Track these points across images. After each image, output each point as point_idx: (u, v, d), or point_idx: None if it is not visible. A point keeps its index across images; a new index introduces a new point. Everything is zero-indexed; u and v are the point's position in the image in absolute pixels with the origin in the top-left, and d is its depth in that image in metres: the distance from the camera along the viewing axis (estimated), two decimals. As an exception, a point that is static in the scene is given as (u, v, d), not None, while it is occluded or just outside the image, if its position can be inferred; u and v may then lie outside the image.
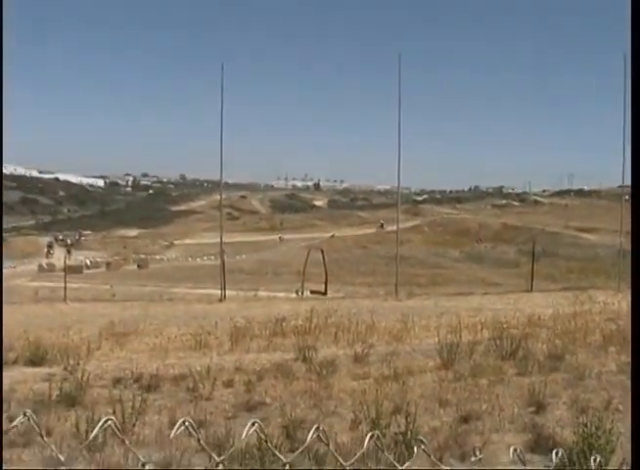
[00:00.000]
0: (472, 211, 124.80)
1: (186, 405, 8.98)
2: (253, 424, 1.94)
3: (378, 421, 7.60)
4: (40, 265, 60.35)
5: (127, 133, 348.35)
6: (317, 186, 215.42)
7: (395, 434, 7.24)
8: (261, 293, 31.63)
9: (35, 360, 12.71)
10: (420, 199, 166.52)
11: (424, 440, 2.38)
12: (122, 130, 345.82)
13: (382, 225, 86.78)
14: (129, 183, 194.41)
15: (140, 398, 8.83)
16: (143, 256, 70.87)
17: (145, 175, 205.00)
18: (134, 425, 7.98)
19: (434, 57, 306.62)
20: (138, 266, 62.83)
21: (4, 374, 11.78)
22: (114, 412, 7.88)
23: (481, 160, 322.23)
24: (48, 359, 12.73)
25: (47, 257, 70.38)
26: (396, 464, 2.50)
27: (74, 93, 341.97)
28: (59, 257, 63.31)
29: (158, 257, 72.94)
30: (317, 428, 2.12)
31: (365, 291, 33.59)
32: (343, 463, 2.29)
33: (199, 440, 1.99)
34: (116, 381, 10.70)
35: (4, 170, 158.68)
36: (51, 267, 57.89)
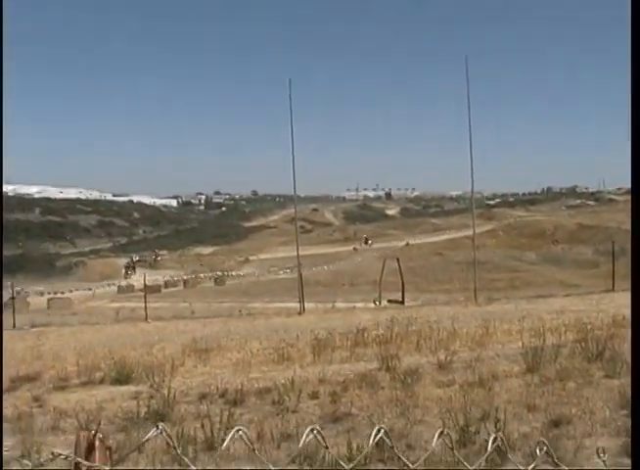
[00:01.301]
0: (546, 212, 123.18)
1: (272, 418, 9.00)
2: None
3: (467, 428, 7.52)
4: (119, 286, 61.46)
5: (198, 153, 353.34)
6: (388, 195, 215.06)
7: (485, 440, 7.14)
8: (339, 304, 31.64)
9: (121, 379, 12.88)
10: (492, 203, 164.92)
11: (545, 441, 2.33)
12: (194, 150, 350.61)
13: (366, 241, 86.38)
14: (202, 202, 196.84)
15: (227, 412, 8.89)
16: (219, 272, 71.54)
17: (217, 193, 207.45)
18: (223, 440, 8.03)
19: (502, 59, 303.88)
20: (215, 283, 63.50)
21: (94, 392, 12.02)
22: (202, 427, 7.96)
23: (554, 160, 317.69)
24: (134, 378, 12.88)
25: (125, 277, 71.57)
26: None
27: (145, 118, 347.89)
28: (137, 277, 64.32)
29: (234, 273, 73.54)
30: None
31: (443, 298, 33.32)
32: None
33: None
34: (202, 396, 10.80)
35: (81, 195, 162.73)
36: (130, 288, 58.93)
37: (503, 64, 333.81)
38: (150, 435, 1.66)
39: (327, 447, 1.79)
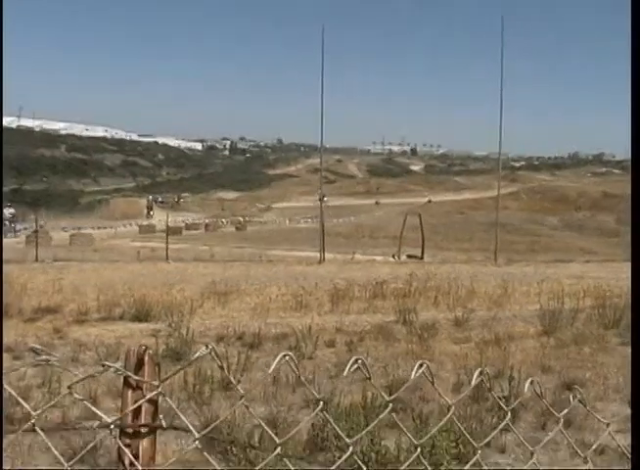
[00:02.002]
0: (570, 178, 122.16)
1: (288, 364, 9.08)
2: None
3: (480, 385, 7.55)
4: (141, 226, 61.71)
5: (225, 98, 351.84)
6: (414, 151, 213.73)
7: (499, 398, 7.20)
8: (358, 256, 31.71)
9: (140, 316, 13.03)
10: (517, 165, 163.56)
11: (579, 389, 2.36)
12: (221, 95, 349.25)
13: (322, 198, 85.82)
14: (227, 147, 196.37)
15: (244, 355, 8.98)
16: (241, 218, 71.69)
17: (242, 139, 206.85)
18: (239, 381, 8.13)
19: (536, 22, 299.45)
20: (236, 228, 63.69)
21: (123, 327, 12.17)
22: (219, 367, 8.04)
23: (582, 126, 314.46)
24: (153, 316, 13.03)
25: (147, 218, 71.81)
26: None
27: (174, 59, 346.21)
28: (159, 218, 64.53)
29: (255, 219, 73.68)
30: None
31: (463, 256, 33.29)
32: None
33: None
34: (220, 338, 10.90)
35: (107, 134, 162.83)
36: (151, 228, 59.15)
37: (537, 26, 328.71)
38: (199, 353, 1.71)
39: (369, 378, 1.83)
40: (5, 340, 10.63)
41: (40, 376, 8.05)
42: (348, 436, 2.15)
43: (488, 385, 2.26)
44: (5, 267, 21.22)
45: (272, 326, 11.94)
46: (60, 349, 10.08)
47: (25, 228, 52.04)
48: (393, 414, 2.29)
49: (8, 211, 56.15)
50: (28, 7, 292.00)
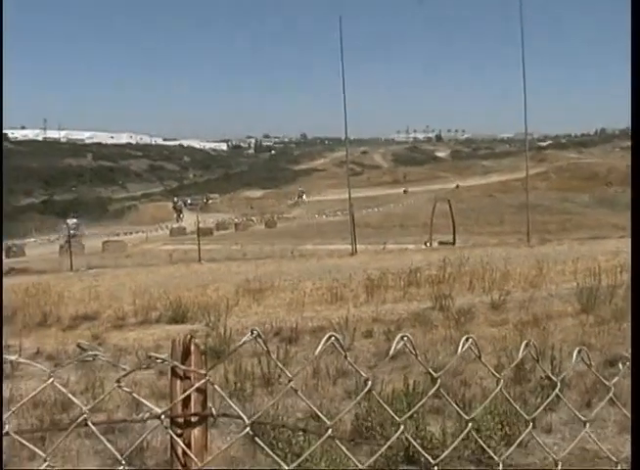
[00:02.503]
0: (599, 154, 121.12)
1: (327, 356, 9.09)
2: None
3: (522, 366, 7.52)
4: (172, 229, 62.02)
5: (247, 96, 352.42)
6: (439, 137, 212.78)
7: (541, 378, 7.16)
8: (390, 245, 31.65)
9: (177, 318, 13.11)
10: (544, 145, 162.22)
11: (627, 355, 2.34)
12: (243, 94, 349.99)
13: (300, 195, 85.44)
14: (251, 145, 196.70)
15: (282, 350, 9.01)
16: (270, 215, 71.81)
17: (266, 137, 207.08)
18: (279, 376, 8.15)
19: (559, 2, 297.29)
20: (266, 225, 63.80)
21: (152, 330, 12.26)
22: (259, 363, 8.07)
23: (607, 101, 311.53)
24: (189, 317, 13.10)
25: (177, 220, 72.14)
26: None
27: (193, 61, 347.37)
28: (188, 220, 64.82)
29: (284, 215, 73.77)
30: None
31: (494, 240, 33.14)
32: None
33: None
34: (251, 329, 10.92)
35: (131, 140, 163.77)
36: (182, 231, 59.44)
37: (556, 2, 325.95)
38: (245, 338, 1.71)
39: (416, 355, 1.83)
40: (46, 348, 10.75)
41: (83, 382, 8.12)
42: (394, 421, 2.14)
43: (536, 357, 2.24)
44: (41, 277, 21.49)
45: (308, 320, 11.96)
46: (97, 350, 10.17)
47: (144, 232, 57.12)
48: (438, 397, 2.28)
49: (72, 222, 57.94)
50: (50, 18, 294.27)
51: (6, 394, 7.71)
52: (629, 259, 3.15)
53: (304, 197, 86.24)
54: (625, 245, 21.92)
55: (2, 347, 11.90)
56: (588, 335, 9.52)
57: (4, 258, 39.67)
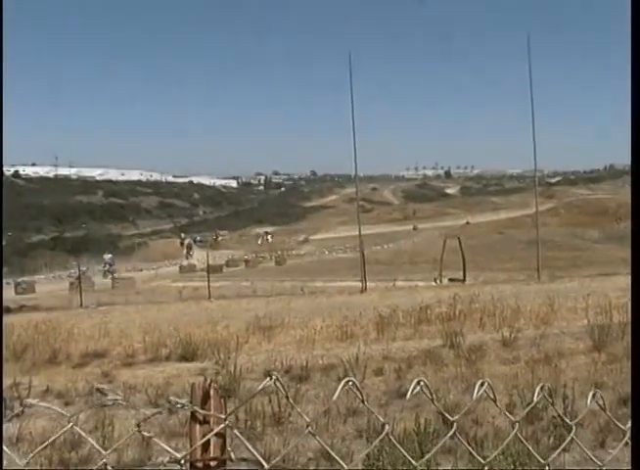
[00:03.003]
0: (608, 190, 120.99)
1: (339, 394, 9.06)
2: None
3: (534, 405, 7.45)
4: (181, 266, 62.04)
5: (257, 134, 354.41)
6: (448, 174, 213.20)
7: (554, 417, 7.11)
8: (400, 282, 31.56)
9: (187, 356, 13.09)
10: (553, 181, 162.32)
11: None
12: (252, 131, 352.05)
13: (266, 235, 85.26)
14: (261, 182, 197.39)
15: (293, 389, 8.98)
16: (280, 252, 71.81)
17: (276, 173, 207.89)
18: (289, 414, 8.12)
19: (564, 35, 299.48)
20: (276, 262, 63.76)
21: (160, 368, 12.24)
22: (270, 402, 8.04)
23: (616, 137, 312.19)
24: (199, 355, 13.08)
25: (187, 257, 72.16)
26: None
27: (203, 98, 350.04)
28: (198, 257, 64.90)
29: (294, 252, 73.79)
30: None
31: (504, 276, 33.03)
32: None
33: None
34: (267, 373, 10.88)
35: (142, 177, 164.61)
36: (191, 267, 59.45)
37: (565, 40, 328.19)
38: (264, 383, 1.72)
39: (433, 400, 1.83)
40: (55, 386, 10.73)
41: (92, 420, 8.09)
42: (405, 460, 2.13)
43: (550, 400, 2.24)
44: (50, 314, 21.52)
45: (319, 358, 11.93)
46: (109, 393, 10.14)
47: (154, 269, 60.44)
48: (452, 438, 2.28)
49: (107, 257, 61.99)
50: (61, 57, 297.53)
51: (15, 432, 7.70)
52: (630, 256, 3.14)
53: (269, 238, 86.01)
54: (636, 281, 21.85)
55: (2, 348, 11.89)
56: (600, 373, 9.47)
57: (14, 295, 39.88)
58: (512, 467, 5.58)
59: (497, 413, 7.49)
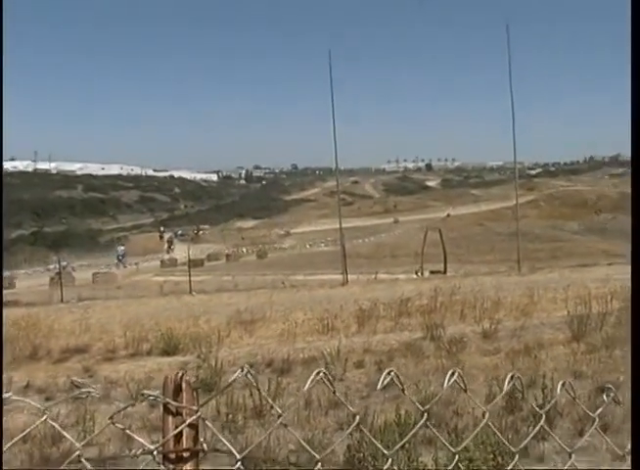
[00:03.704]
0: (588, 182, 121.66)
1: (320, 387, 9.06)
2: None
3: (514, 395, 7.52)
4: (162, 261, 61.88)
5: (238, 127, 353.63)
6: (429, 166, 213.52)
7: (533, 406, 7.16)
8: (381, 275, 31.61)
9: (169, 350, 13.07)
10: (534, 173, 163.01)
11: (612, 387, 2.36)
12: (233, 125, 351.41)
13: (169, 243, 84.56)
14: (242, 176, 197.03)
15: (274, 381, 8.99)
16: (261, 246, 71.74)
17: (257, 167, 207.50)
18: (271, 407, 8.13)
19: (544, 26, 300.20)
20: (257, 256, 63.71)
21: (144, 362, 12.22)
22: (250, 395, 8.05)
23: (596, 128, 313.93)
24: (181, 349, 13.06)
25: (168, 252, 72.00)
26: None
27: (183, 92, 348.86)
28: (179, 251, 64.81)
29: (275, 246, 73.75)
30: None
31: (485, 268, 33.22)
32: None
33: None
34: (249, 366, 10.89)
35: (122, 172, 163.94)
36: (173, 262, 59.33)
37: (545, 31, 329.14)
38: (235, 376, 1.73)
39: (403, 390, 1.85)
40: (36, 382, 10.70)
41: (73, 415, 8.08)
42: (384, 454, 2.15)
43: (521, 389, 2.26)
44: (31, 310, 21.40)
45: (300, 351, 11.94)
46: (90, 388, 10.11)
47: (137, 263, 61.89)
48: (429, 428, 2.30)
49: (120, 249, 65.59)
50: (38, 49, 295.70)
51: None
52: (630, 258, 3.17)
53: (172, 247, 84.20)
54: (615, 272, 22.04)
55: (2, 349, 11.86)
56: (580, 363, 9.55)
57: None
58: (491, 456, 5.62)
59: (477, 404, 7.53)
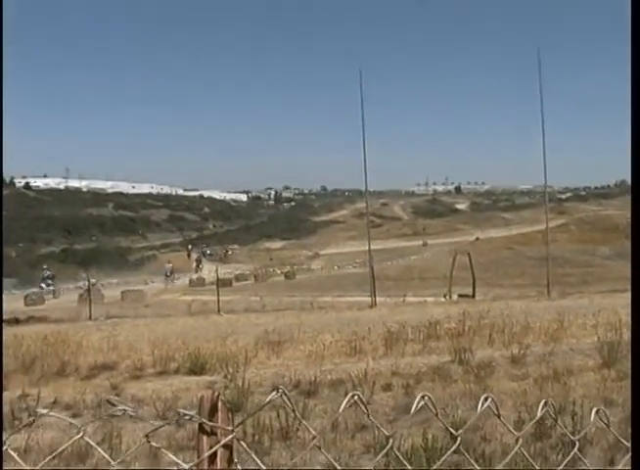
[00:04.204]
0: (619, 206, 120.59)
1: (347, 409, 9.03)
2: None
3: (543, 421, 7.44)
4: (191, 280, 62.07)
5: (268, 148, 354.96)
6: (458, 189, 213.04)
7: (563, 435, 7.09)
8: (410, 298, 31.51)
9: (196, 370, 13.09)
10: (564, 197, 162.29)
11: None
12: (263, 145, 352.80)
13: (189, 254, 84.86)
14: (271, 197, 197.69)
15: (301, 403, 8.97)
16: (289, 266, 71.80)
17: (286, 188, 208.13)
18: (297, 429, 8.11)
19: (576, 51, 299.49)
20: (285, 277, 63.73)
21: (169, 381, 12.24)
22: (277, 416, 8.04)
23: (627, 152, 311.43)
24: (208, 368, 13.07)
25: (196, 271, 72.23)
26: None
27: (215, 113, 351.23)
28: (208, 271, 65.04)
29: (304, 267, 73.78)
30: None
31: (515, 292, 32.97)
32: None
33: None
34: (276, 387, 10.86)
35: (152, 190, 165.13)
36: (201, 281, 59.46)
37: (575, 56, 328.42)
38: (271, 397, 1.73)
39: (437, 415, 1.84)
40: (63, 398, 10.75)
41: (100, 432, 8.10)
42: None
43: (554, 415, 2.24)
44: (59, 326, 21.54)
45: (327, 373, 11.91)
46: (117, 405, 10.14)
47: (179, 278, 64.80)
48: (457, 453, 2.28)
49: (168, 266, 66.26)
50: (71, 70, 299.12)
51: (24, 443, 7.71)
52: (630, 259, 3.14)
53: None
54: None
55: (2, 349, 11.90)
56: (610, 390, 9.44)
57: (23, 306, 40.05)
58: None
59: (505, 430, 7.46)
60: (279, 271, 69.22)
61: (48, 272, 60.18)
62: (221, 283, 39.82)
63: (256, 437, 7.67)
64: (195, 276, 65.62)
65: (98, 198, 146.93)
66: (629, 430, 6.95)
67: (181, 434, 7.80)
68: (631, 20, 3.17)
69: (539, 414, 2.12)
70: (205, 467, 1.74)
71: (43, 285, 55.85)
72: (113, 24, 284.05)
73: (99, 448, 1.75)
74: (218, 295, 31.52)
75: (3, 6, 7.22)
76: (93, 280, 47.85)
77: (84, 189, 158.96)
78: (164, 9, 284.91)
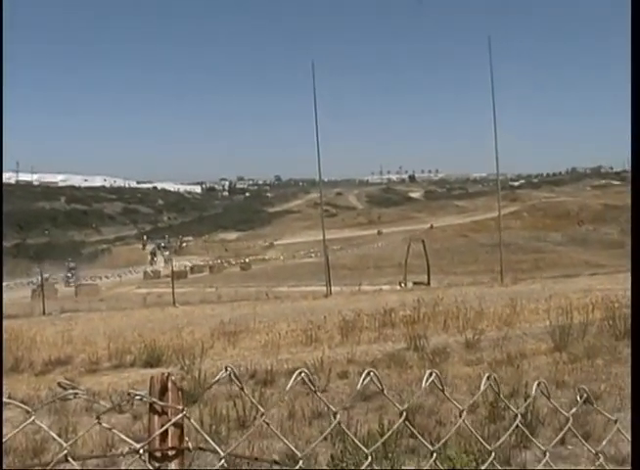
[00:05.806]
0: (570, 193, 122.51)
1: (303, 398, 9.09)
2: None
3: (496, 404, 7.56)
4: (145, 272, 61.78)
5: (221, 139, 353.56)
6: (412, 178, 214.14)
7: (515, 416, 7.19)
8: (365, 287, 31.66)
9: (152, 362, 13.03)
10: (517, 184, 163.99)
11: (585, 388, 2.40)
12: (216, 136, 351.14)
13: (144, 247, 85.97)
14: (226, 188, 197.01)
15: (257, 392, 8.98)
16: (244, 257, 71.69)
17: (241, 179, 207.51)
18: (254, 418, 8.12)
19: (527, 38, 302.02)
20: (241, 268, 63.69)
21: (124, 374, 12.18)
22: (234, 406, 8.05)
23: (578, 141, 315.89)
24: (164, 360, 13.03)
25: (151, 264, 71.90)
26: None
27: (166, 104, 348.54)
28: (163, 263, 64.75)
29: (259, 257, 73.71)
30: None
31: (469, 279, 33.26)
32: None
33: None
34: (225, 367, 10.87)
35: (105, 183, 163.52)
36: (156, 274, 59.24)
37: (527, 43, 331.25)
38: (220, 376, 1.76)
39: (382, 390, 1.88)
40: (17, 394, 10.65)
41: (56, 426, 8.05)
42: (369, 464, 2.18)
43: (497, 388, 2.30)
44: (13, 322, 21.30)
45: (284, 362, 11.94)
46: (73, 400, 10.08)
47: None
48: (412, 438, 2.33)
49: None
50: (20, 61, 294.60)
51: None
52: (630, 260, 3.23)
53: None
54: (596, 282, 22.20)
55: (2, 350, 11.79)
56: (562, 372, 9.58)
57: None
58: (474, 464, 5.65)
59: (460, 412, 7.54)
60: (234, 262, 69.08)
61: None
62: (176, 275, 39.76)
63: (214, 426, 7.68)
64: (150, 269, 65.30)
65: (50, 191, 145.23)
66: (581, 409, 7.11)
67: (137, 426, 7.79)
68: (631, 20, 3.22)
69: (483, 388, 2.18)
70: (157, 446, 1.76)
71: None
72: (67, 9, 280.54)
73: (50, 431, 1.76)
74: (173, 287, 31.42)
75: (3, 6, 7.13)
76: (46, 275, 47.42)
77: (35, 183, 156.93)
78: None
